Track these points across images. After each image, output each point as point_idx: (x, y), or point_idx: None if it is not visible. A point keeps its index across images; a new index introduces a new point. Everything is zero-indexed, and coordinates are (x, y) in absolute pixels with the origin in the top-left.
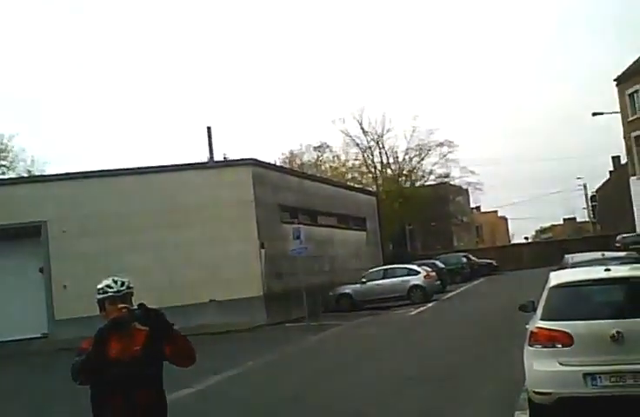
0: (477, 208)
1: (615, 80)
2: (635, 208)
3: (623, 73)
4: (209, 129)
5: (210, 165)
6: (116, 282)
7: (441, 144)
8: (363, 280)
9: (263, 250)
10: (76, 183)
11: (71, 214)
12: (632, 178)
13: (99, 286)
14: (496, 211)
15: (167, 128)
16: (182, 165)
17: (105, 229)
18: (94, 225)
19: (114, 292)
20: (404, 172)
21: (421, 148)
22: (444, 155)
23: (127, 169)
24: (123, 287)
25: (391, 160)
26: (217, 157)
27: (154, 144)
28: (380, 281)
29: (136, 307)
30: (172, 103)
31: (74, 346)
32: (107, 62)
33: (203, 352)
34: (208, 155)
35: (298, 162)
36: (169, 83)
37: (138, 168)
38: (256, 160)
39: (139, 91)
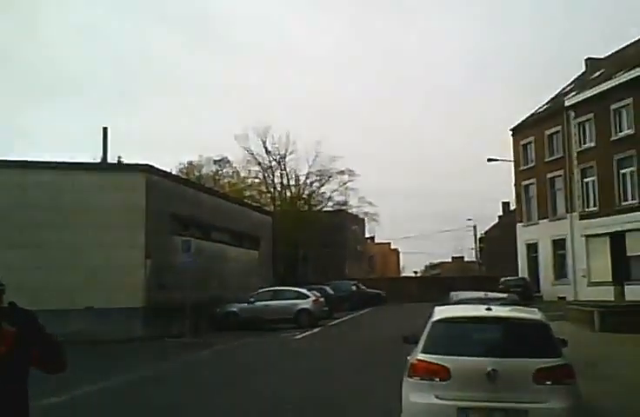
0: (372, 238)
1: (511, 130)
2: (519, 253)
3: (519, 124)
4: (105, 129)
5: (103, 167)
6: None
7: (342, 172)
8: (252, 299)
9: (148, 260)
10: None
11: None
12: (519, 225)
13: None
14: (389, 243)
15: (62, 124)
16: (73, 163)
17: None
18: None
19: None
20: (304, 195)
21: (322, 174)
22: (344, 183)
23: (12, 162)
24: None
25: (292, 182)
26: (111, 160)
27: (47, 138)
28: (268, 302)
29: (6, 305)
30: (77, 98)
31: None
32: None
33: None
34: (101, 156)
35: (197, 173)
36: (73, 79)
37: (25, 161)
38: (151, 166)
39: (46, 87)
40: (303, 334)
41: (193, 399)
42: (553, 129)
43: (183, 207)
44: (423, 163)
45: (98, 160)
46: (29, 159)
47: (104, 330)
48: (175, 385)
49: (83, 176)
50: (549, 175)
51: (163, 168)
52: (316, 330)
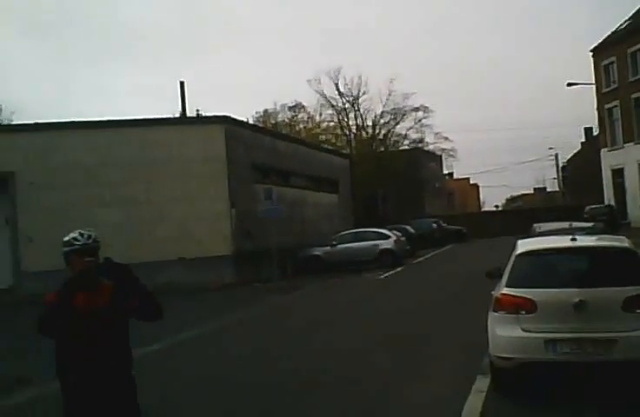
0: (450, 174)
1: (591, 51)
2: (604, 180)
3: (600, 44)
4: (182, 84)
5: (183, 121)
6: (82, 235)
7: (416, 109)
8: (334, 242)
9: (233, 209)
10: (45, 134)
11: (40, 165)
12: (603, 150)
13: (65, 238)
14: (468, 178)
15: (142, 81)
16: (154, 120)
17: (74, 183)
18: (63, 178)
19: (80, 245)
20: (379, 136)
21: (396, 113)
22: (419, 120)
23: (98, 122)
24: (90, 241)
25: (367, 123)
26: (190, 113)
27: (127, 97)
28: (350, 245)
29: (102, 261)
30: (150, 56)
31: (40, 299)
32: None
33: (166, 310)
34: (180, 110)
35: (272, 121)
36: (145, 36)
37: (110, 121)
38: (229, 117)
39: (111, 42)
40: (387, 274)
41: (283, 341)
42: (636, 47)
43: (261, 155)
44: (500, 94)
45: (177, 114)
46: (111, 118)
47: (198, 278)
48: (266, 328)
49: (165, 131)
50: (633, 96)
51: (240, 118)
52: (399, 269)
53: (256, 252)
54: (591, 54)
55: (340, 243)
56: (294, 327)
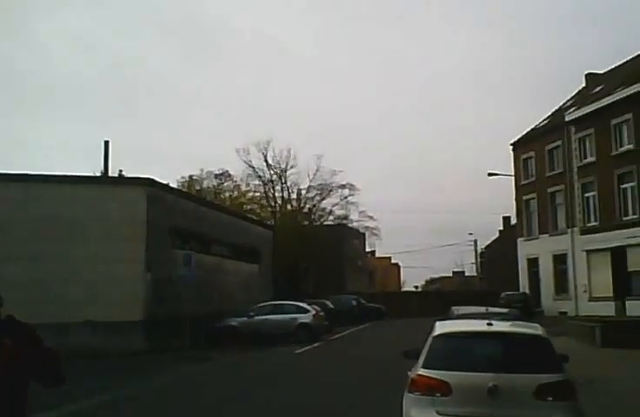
0: (372, 252)
1: (511, 144)
2: (519, 268)
3: (519, 139)
4: (106, 143)
5: (105, 180)
6: None
7: (343, 186)
8: (251, 313)
9: (149, 273)
10: None
11: None
12: (519, 239)
13: None
14: (389, 257)
15: (67, 140)
16: (73, 177)
17: None
18: None
19: None
20: (304, 210)
21: (323, 188)
22: (345, 197)
23: (13, 175)
24: None
25: (293, 196)
26: (112, 174)
27: (47, 152)
28: (268, 317)
29: (3, 318)
30: (79, 116)
31: None
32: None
33: (68, 375)
34: (102, 169)
35: (197, 187)
36: (79, 95)
37: (25, 174)
38: (152, 180)
39: (46, 99)
40: (303, 349)
41: (189, 413)
42: (554, 144)
43: (183, 220)
44: (425, 178)
45: (98, 173)
46: (29, 172)
47: (105, 344)
48: (173, 399)
49: (85, 190)
50: (549, 190)
51: (164, 182)
52: (315, 345)
53: (169, 319)
54: (511, 147)
55: (257, 315)
56: (197, 402)
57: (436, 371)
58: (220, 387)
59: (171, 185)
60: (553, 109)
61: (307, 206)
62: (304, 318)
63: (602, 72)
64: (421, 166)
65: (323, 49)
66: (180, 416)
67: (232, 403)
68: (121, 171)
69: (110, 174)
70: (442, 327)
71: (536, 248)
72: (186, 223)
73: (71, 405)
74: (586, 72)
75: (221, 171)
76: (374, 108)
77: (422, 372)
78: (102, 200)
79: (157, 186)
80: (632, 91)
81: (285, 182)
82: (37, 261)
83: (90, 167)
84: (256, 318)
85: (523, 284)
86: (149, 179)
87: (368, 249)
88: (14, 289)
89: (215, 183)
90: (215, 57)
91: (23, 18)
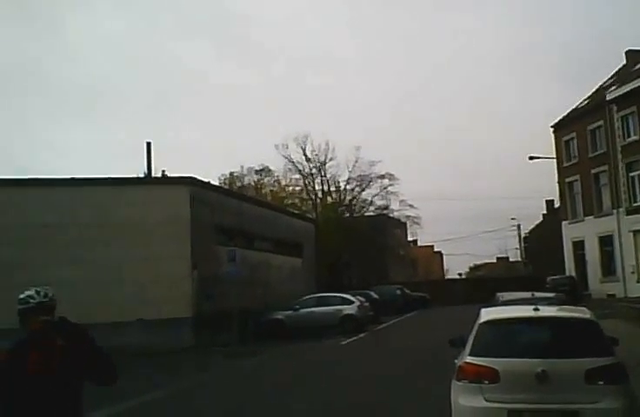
0: (414, 241)
1: (552, 126)
2: (565, 251)
3: (561, 120)
4: (148, 144)
5: (148, 181)
6: (38, 293)
7: (382, 176)
8: (296, 306)
9: (195, 271)
10: (4, 190)
11: None
12: (564, 222)
13: (21, 296)
14: (432, 246)
15: (107, 141)
16: (118, 179)
17: (32, 240)
18: (20, 235)
19: (36, 303)
20: (345, 202)
21: (362, 179)
22: (385, 188)
23: (60, 180)
24: (46, 299)
25: (333, 188)
26: (156, 174)
27: (92, 156)
28: (313, 309)
29: (57, 320)
30: (117, 116)
31: None
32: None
33: (120, 373)
34: (146, 170)
35: (238, 184)
36: (115, 97)
37: (72, 179)
38: (194, 178)
39: (81, 102)
40: (349, 340)
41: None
42: (595, 124)
43: (226, 217)
44: (465, 165)
45: (142, 174)
46: (75, 176)
47: (156, 341)
48: (223, 393)
49: (130, 192)
50: (593, 171)
51: (206, 180)
52: (361, 335)
53: (216, 315)
54: (552, 130)
55: (303, 307)
56: (248, 395)
57: (483, 358)
58: (271, 381)
59: (213, 183)
60: (593, 89)
61: (347, 198)
62: (349, 309)
63: None
64: (461, 153)
65: (358, 38)
66: (255, 398)
67: (286, 395)
68: (164, 171)
69: (153, 174)
70: (487, 315)
71: (581, 231)
72: (229, 220)
73: (124, 402)
74: (626, 49)
75: (261, 167)
76: (412, 97)
77: (469, 359)
78: (147, 200)
79: (199, 184)
80: None
81: (325, 175)
82: (88, 263)
83: (128, 167)
84: (302, 311)
85: (569, 267)
86: (191, 178)
87: (410, 239)
88: (69, 291)
89: (255, 179)
90: (247, 52)
91: (55, 24)
